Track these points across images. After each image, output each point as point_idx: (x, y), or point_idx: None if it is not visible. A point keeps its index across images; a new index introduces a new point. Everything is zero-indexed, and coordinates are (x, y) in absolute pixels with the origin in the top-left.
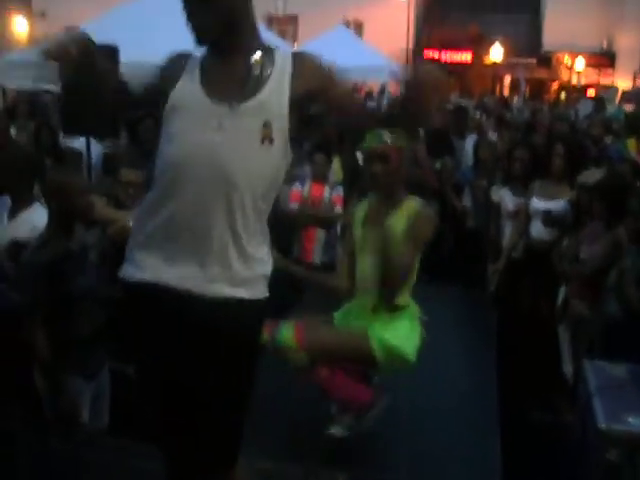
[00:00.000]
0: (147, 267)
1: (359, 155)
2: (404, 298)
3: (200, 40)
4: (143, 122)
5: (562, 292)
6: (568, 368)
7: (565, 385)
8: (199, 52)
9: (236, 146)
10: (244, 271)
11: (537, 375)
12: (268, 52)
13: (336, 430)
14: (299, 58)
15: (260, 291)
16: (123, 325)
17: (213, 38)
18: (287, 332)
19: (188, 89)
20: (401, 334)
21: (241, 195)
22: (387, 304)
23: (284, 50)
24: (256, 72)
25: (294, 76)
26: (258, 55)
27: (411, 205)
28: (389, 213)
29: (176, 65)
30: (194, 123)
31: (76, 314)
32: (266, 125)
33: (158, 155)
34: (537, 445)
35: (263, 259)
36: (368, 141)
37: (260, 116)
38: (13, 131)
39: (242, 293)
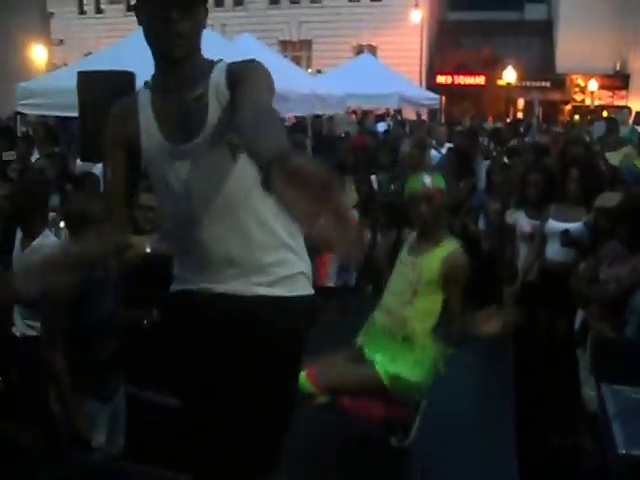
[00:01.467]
0: (185, 279)
1: (373, 179)
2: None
3: (174, 52)
4: None
5: (579, 315)
6: (587, 392)
7: (584, 409)
8: (140, 89)
9: (211, 175)
10: (278, 270)
11: (555, 399)
12: (206, 74)
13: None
14: (233, 67)
15: (300, 288)
16: (139, 349)
17: (185, 53)
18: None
19: (150, 139)
20: (407, 363)
21: (239, 213)
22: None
23: (221, 64)
24: (199, 102)
25: (229, 85)
26: (198, 91)
27: (449, 246)
28: (427, 250)
29: (128, 110)
30: (165, 171)
31: (96, 339)
32: (228, 141)
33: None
34: (556, 470)
35: (287, 260)
36: (412, 184)
37: (218, 140)
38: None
39: (279, 291)
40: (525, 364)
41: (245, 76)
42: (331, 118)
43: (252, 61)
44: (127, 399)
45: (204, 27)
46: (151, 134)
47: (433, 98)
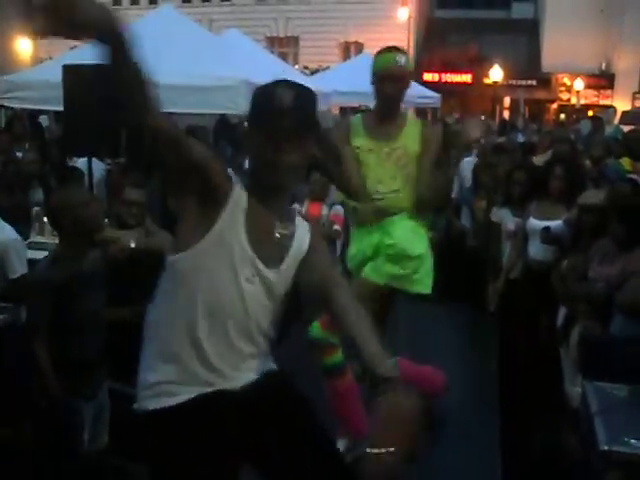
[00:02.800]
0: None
1: None
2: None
3: (278, 181)
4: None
5: (562, 313)
6: (569, 389)
7: (566, 406)
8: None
9: (261, 299)
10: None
11: (538, 396)
12: (292, 217)
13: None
14: (314, 238)
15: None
16: (122, 345)
17: (289, 183)
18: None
19: (231, 228)
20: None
21: (258, 327)
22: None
23: (300, 220)
24: (283, 240)
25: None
26: (288, 229)
27: (415, 125)
28: (397, 131)
29: (224, 179)
30: (230, 266)
31: (81, 335)
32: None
33: (179, 268)
34: (538, 467)
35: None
36: (384, 60)
37: (284, 282)
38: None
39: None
40: (509, 361)
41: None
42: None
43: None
44: (111, 395)
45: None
46: (233, 226)
47: (433, 97)
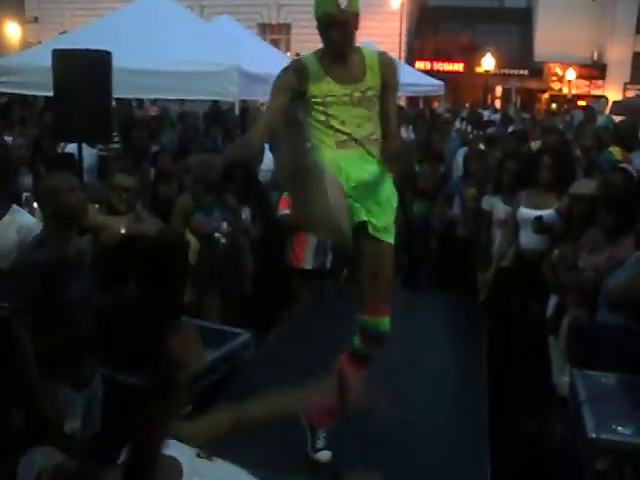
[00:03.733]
0: None
1: None
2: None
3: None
4: (136, 130)
5: (552, 302)
6: (558, 377)
7: (555, 395)
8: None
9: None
10: None
11: (527, 385)
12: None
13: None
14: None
15: None
16: (114, 331)
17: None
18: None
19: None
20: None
21: None
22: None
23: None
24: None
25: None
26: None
27: (373, 57)
28: (361, 70)
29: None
30: None
31: (69, 320)
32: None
33: None
34: (527, 455)
35: None
36: (322, 6)
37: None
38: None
39: None
40: (499, 349)
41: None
42: None
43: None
44: (103, 382)
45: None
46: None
47: (437, 85)
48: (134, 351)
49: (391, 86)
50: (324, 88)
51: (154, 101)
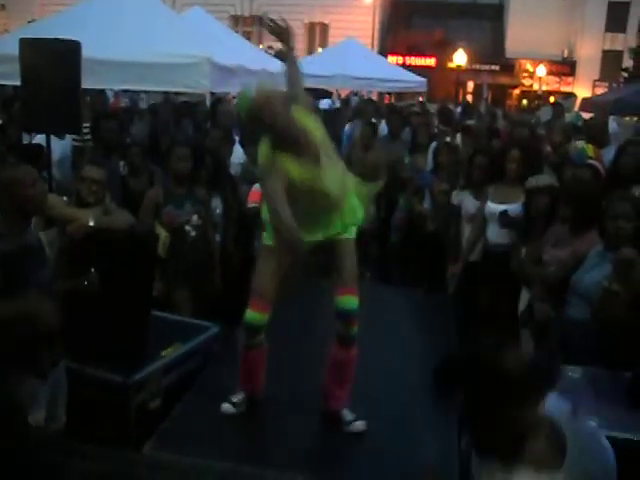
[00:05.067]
0: None
1: None
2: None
3: None
4: (106, 121)
5: (525, 296)
6: None
7: None
8: None
9: None
10: None
11: None
12: None
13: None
14: None
15: None
16: (79, 324)
17: None
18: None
19: None
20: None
21: None
22: None
23: None
24: None
25: None
26: None
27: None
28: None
29: None
30: None
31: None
32: None
33: None
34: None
35: None
36: (241, 102)
37: None
38: None
39: None
40: (468, 343)
41: None
42: None
43: None
44: (69, 374)
45: None
46: None
47: (419, 81)
48: (97, 342)
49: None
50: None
51: (125, 92)
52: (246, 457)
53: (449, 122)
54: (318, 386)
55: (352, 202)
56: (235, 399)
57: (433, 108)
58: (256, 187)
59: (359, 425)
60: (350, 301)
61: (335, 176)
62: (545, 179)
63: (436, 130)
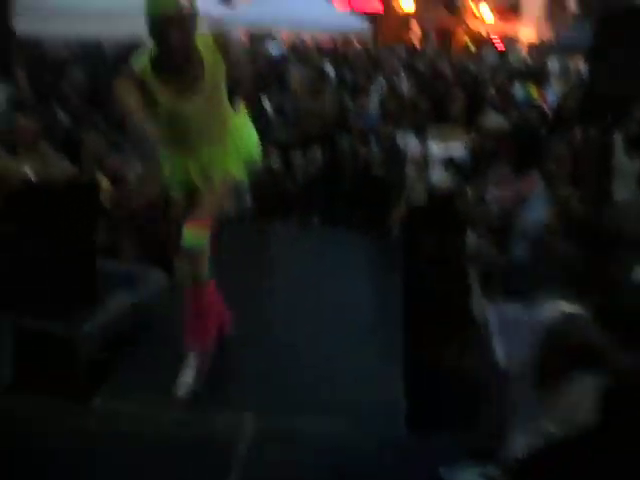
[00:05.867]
0: None
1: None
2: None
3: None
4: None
5: (472, 237)
6: (477, 309)
7: (474, 326)
8: None
9: None
10: None
11: (447, 318)
12: None
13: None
14: None
15: None
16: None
17: None
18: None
19: None
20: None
21: None
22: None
23: None
24: None
25: None
26: None
27: (206, 45)
28: (196, 77)
29: None
30: None
31: None
32: None
33: None
34: (441, 387)
35: None
36: (154, 4)
37: None
38: None
39: None
40: (415, 285)
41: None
42: None
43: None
44: (17, 328)
45: None
46: None
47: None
48: (45, 294)
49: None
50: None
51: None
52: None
53: None
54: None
55: (237, 142)
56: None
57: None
58: None
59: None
60: (192, 236)
61: (207, 109)
62: (497, 120)
63: None
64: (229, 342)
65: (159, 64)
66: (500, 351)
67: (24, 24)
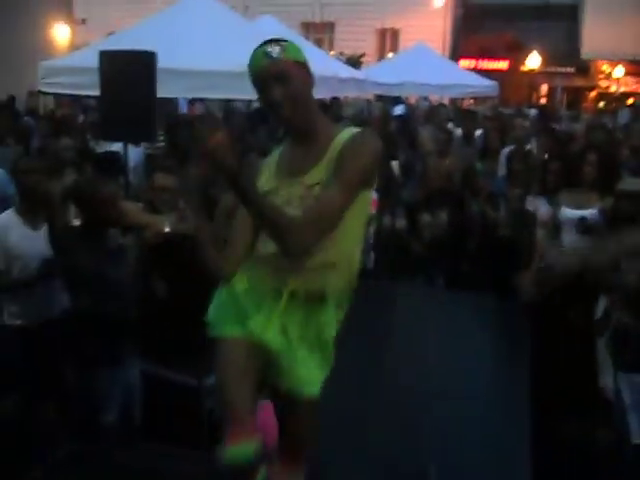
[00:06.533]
0: None
1: (394, 164)
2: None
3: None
4: (182, 129)
5: (602, 304)
6: (605, 381)
7: (602, 399)
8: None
9: None
10: None
11: (573, 388)
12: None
13: None
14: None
15: None
16: (160, 327)
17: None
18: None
19: None
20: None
21: None
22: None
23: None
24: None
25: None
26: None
27: (342, 137)
28: (315, 157)
29: None
30: None
31: (108, 303)
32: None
33: None
34: (570, 460)
35: None
36: (253, 64)
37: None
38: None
39: None
40: (542, 351)
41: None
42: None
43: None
44: (144, 377)
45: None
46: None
47: (490, 85)
48: (172, 347)
49: (343, 170)
50: (261, 182)
51: (200, 100)
52: None
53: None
54: None
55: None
56: None
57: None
58: None
59: None
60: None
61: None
62: (634, 182)
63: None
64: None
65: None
66: (635, 425)
67: (162, 85)
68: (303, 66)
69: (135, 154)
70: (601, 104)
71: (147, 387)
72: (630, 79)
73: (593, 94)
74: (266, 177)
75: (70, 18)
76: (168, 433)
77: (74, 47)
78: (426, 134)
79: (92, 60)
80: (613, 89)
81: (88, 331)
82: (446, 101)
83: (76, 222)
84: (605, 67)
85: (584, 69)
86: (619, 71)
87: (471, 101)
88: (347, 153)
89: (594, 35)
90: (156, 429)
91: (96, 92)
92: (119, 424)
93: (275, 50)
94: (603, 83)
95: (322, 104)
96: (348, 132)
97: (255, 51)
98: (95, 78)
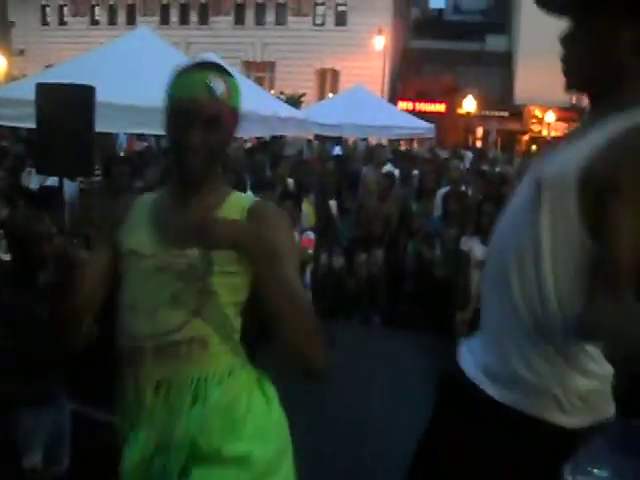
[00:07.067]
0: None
1: (332, 204)
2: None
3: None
4: (118, 166)
5: None
6: None
7: None
8: None
9: None
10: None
11: None
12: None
13: None
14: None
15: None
16: (89, 365)
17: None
18: None
19: None
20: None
21: None
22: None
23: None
24: None
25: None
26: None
27: (240, 203)
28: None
29: None
30: None
31: (34, 336)
32: None
33: None
34: None
35: None
36: (189, 89)
37: None
38: None
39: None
40: None
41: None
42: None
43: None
44: (73, 417)
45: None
46: None
47: (426, 127)
48: (103, 385)
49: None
50: (130, 238)
51: (140, 135)
52: None
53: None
54: None
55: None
56: None
57: (443, 154)
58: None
59: None
60: None
61: None
62: None
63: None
64: None
65: (170, 188)
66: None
67: (102, 120)
68: (236, 114)
69: (71, 188)
70: (533, 147)
71: (76, 428)
72: (560, 124)
73: (526, 137)
74: (136, 235)
75: (8, 49)
76: (98, 476)
77: (11, 78)
78: (371, 177)
79: (29, 92)
80: (544, 133)
81: (9, 370)
82: (384, 142)
83: (6, 257)
84: (537, 112)
85: (517, 113)
86: (550, 116)
87: (413, 143)
88: (271, 236)
89: (527, 81)
90: (86, 473)
91: (33, 125)
92: (44, 468)
93: (219, 88)
94: (535, 127)
95: (262, 143)
96: (243, 202)
97: (193, 76)
98: (32, 110)
